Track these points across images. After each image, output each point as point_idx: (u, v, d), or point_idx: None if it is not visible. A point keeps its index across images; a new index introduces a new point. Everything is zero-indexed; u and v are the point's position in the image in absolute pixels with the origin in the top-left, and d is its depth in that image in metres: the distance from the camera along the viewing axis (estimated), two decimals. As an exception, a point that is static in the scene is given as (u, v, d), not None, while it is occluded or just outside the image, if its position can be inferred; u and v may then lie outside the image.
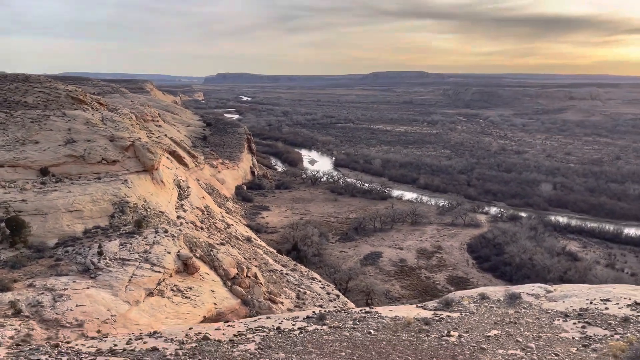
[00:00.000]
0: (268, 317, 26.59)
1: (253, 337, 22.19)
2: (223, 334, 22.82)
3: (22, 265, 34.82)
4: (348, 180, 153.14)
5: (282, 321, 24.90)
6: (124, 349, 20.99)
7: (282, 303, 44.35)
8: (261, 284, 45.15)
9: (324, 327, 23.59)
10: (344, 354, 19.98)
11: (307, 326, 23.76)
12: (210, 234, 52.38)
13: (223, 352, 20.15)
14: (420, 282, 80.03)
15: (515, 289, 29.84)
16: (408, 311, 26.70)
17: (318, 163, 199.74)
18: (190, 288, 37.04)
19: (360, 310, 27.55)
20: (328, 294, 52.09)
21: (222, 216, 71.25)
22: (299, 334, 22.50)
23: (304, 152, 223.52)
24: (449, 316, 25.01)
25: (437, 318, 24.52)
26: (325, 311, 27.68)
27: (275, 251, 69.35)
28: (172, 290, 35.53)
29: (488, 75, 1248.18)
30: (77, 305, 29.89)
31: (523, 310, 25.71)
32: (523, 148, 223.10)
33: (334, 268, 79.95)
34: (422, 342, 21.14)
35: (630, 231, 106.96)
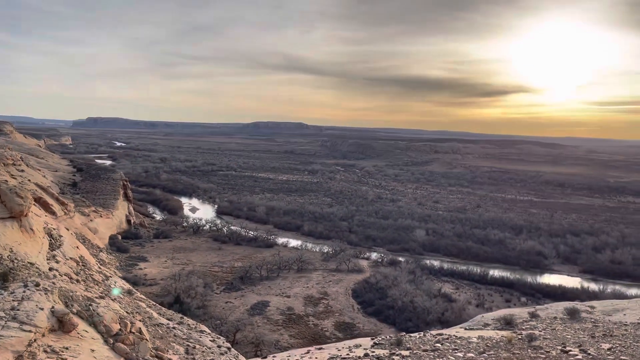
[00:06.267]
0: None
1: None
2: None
3: None
4: (232, 228, 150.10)
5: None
6: None
7: (170, 359, 41.04)
8: (147, 339, 41.51)
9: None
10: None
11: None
12: (88, 287, 47.47)
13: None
14: (308, 329, 79.44)
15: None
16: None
17: (200, 211, 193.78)
18: (67, 348, 32.80)
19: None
20: (219, 347, 49.31)
21: (99, 267, 65.36)
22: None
23: (184, 200, 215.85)
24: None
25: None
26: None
27: (158, 304, 64.78)
28: (45, 351, 31.13)
29: (363, 129, 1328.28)
30: None
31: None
32: (397, 197, 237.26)
33: (220, 320, 76.63)
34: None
35: (494, 273, 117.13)
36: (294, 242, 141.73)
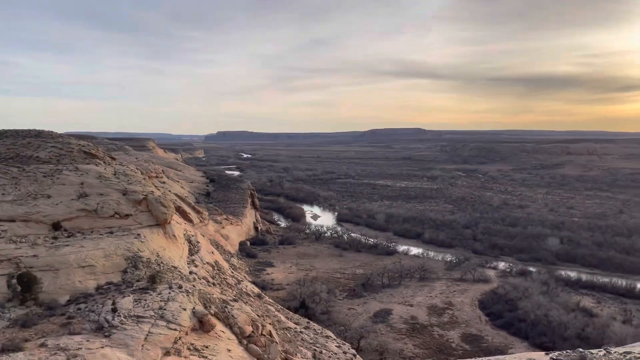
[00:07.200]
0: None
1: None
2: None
3: (33, 324, 33.33)
4: (352, 235, 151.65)
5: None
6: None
7: (298, 363, 42.38)
8: (277, 342, 43.36)
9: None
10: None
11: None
12: (223, 290, 50.83)
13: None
14: (433, 340, 77.27)
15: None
16: None
17: (321, 218, 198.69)
18: (207, 347, 35.39)
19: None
20: (344, 352, 50.02)
21: (232, 272, 69.73)
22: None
23: (306, 208, 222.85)
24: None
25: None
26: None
27: (285, 309, 67.39)
28: (188, 349, 33.90)
29: (485, 131, 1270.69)
30: (91, 366, 28.28)
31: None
32: (525, 202, 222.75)
33: (344, 326, 77.43)
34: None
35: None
36: (414, 250, 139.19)
